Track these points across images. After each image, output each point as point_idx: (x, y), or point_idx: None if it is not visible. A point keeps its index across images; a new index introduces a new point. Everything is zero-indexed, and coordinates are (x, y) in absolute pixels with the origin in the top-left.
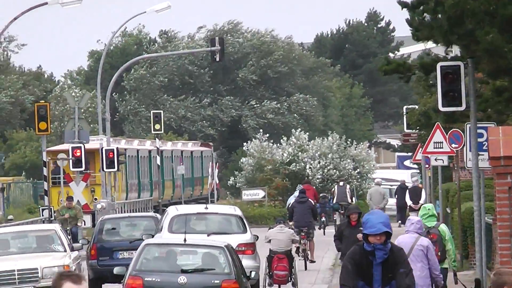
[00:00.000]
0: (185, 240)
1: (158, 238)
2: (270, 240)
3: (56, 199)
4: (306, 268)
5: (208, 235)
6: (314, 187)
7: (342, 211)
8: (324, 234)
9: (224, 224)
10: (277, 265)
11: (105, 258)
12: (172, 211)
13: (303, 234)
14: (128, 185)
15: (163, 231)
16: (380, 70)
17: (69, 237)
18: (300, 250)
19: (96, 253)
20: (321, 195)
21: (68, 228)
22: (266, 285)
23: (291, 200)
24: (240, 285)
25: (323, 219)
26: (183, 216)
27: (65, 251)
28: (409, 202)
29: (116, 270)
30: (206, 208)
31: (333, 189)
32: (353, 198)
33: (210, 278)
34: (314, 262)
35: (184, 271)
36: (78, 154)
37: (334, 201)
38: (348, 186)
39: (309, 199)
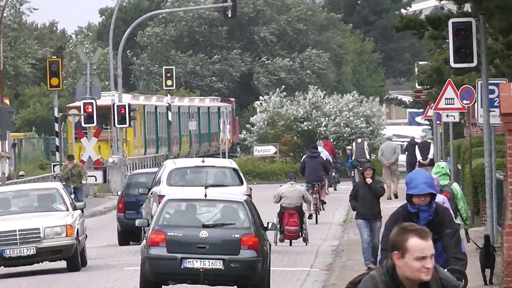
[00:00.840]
0: (205, 195)
1: (162, 190)
2: (281, 197)
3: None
4: (317, 222)
5: (205, 188)
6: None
7: (360, 168)
8: (335, 189)
9: (220, 176)
10: (288, 221)
11: (132, 211)
12: (169, 164)
13: (315, 189)
14: (146, 140)
15: (161, 185)
16: (393, 27)
17: (72, 196)
18: (311, 205)
19: (123, 206)
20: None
21: (72, 186)
22: (277, 240)
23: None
24: (259, 239)
25: (334, 175)
26: (181, 170)
27: (67, 210)
28: (419, 157)
29: (138, 222)
30: (203, 161)
31: (351, 146)
32: (371, 155)
33: (230, 232)
34: (325, 203)
35: (205, 226)
36: (90, 110)
37: (353, 158)
38: (366, 143)
39: (321, 155)
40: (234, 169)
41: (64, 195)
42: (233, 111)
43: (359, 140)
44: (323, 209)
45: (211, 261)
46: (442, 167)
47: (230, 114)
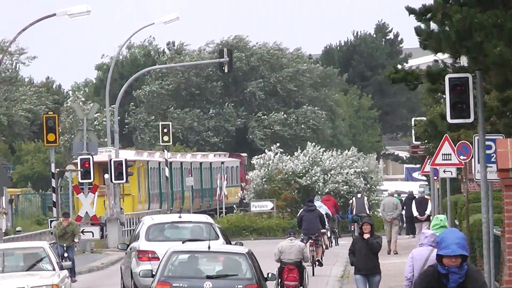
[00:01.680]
0: (209, 247)
1: (144, 245)
2: (281, 252)
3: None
4: (313, 274)
5: (183, 242)
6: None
7: (360, 223)
8: (337, 244)
9: (197, 231)
10: (287, 276)
11: None
12: (147, 220)
13: (311, 241)
14: (150, 195)
15: (140, 240)
16: (388, 78)
17: (65, 254)
18: (312, 257)
19: None
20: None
21: (64, 244)
22: None
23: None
24: None
25: (336, 229)
26: (159, 225)
27: (54, 269)
28: (415, 213)
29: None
30: (180, 217)
31: (351, 201)
32: (371, 210)
33: (233, 283)
34: (322, 265)
35: (209, 277)
36: (87, 165)
37: (354, 213)
38: (366, 198)
39: (317, 208)
40: (210, 224)
41: (50, 254)
42: (243, 166)
43: (359, 195)
44: (318, 265)
45: None
46: (441, 220)
47: (239, 169)
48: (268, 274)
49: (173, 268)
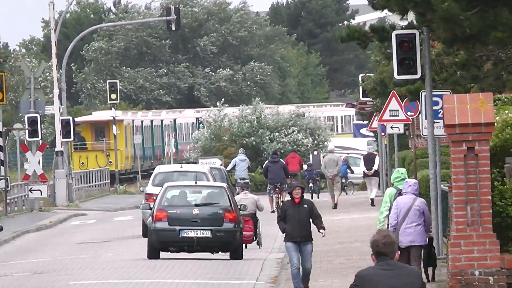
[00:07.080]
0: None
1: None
2: None
3: (77, 163)
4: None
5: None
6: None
7: (317, 178)
8: (318, 198)
9: (197, 178)
10: (243, 226)
11: None
12: (156, 169)
13: (277, 189)
14: (135, 151)
15: (148, 185)
16: (337, 37)
17: None
18: (274, 203)
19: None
20: (307, 163)
21: None
22: None
23: (234, 162)
24: (237, 215)
25: (311, 185)
26: (163, 173)
27: None
28: (363, 168)
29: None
30: (181, 167)
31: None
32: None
33: (215, 209)
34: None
35: (196, 205)
36: (34, 124)
37: (311, 169)
38: (321, 155)
39: (281, 160)
40: (205, 173)
41: None
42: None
43: (315, 153)
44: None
45: (202, 231)
46: (402, 173)
47: (195, 126)
48: (241, 206)
49: (168, 199)
